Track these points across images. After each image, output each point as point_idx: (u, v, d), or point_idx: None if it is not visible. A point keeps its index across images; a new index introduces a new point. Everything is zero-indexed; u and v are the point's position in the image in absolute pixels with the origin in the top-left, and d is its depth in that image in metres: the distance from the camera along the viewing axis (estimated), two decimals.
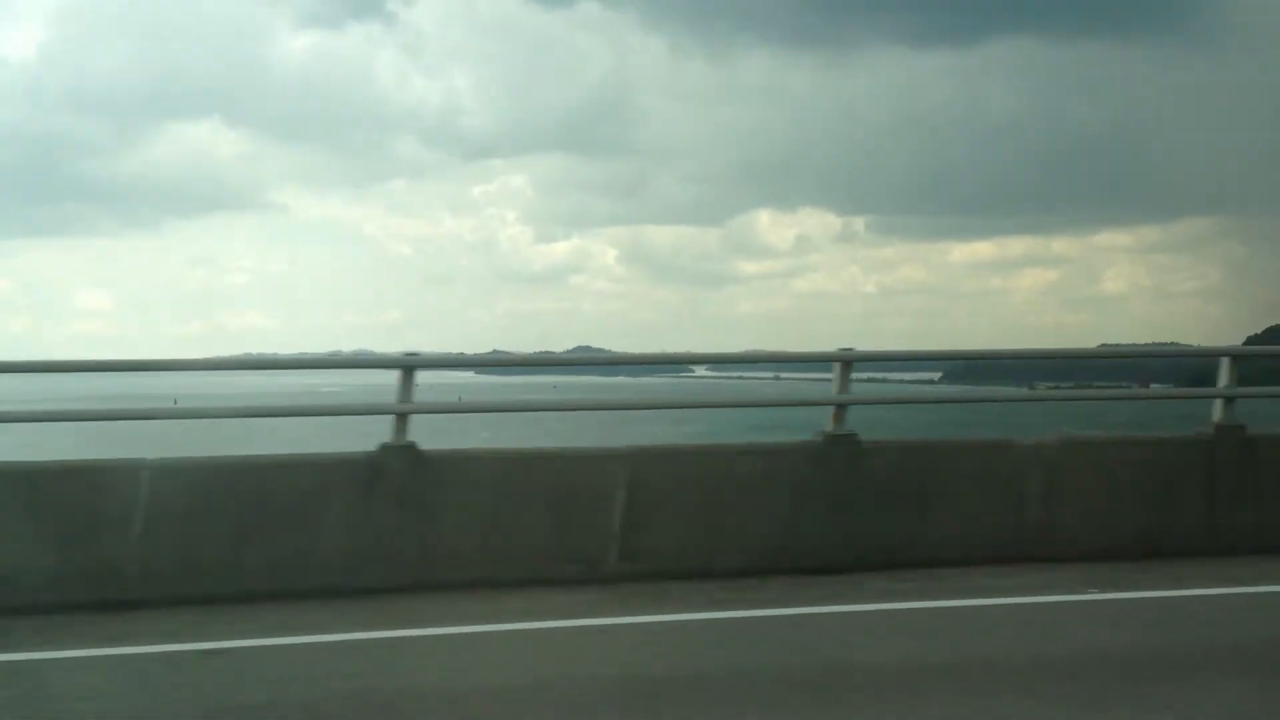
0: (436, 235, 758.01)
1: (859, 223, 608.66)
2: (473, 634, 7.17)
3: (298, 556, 8.24)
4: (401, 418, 8.62)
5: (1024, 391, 43.93)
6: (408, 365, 8.79)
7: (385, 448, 8.55)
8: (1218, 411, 9.73)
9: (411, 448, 8.56)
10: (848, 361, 9.20)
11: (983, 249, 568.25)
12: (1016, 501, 9.34)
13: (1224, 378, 9.75)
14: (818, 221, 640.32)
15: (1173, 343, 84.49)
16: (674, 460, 9.38)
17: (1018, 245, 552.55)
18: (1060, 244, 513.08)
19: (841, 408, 9.20)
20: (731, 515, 8.98)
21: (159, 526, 8.09)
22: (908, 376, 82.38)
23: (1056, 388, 45.93)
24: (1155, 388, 40.43)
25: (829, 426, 9.15)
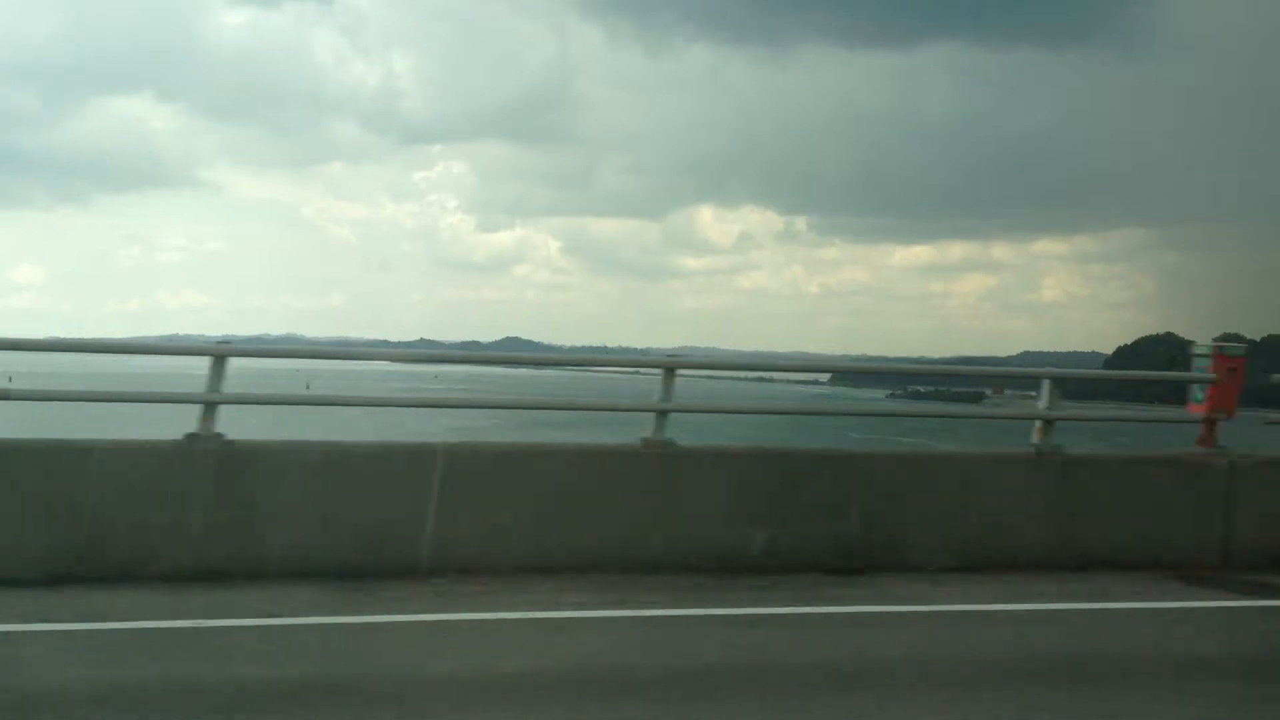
0: (377, 220, 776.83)
1: (800, 222, 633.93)
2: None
3: None
4: None
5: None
6: None
7: None
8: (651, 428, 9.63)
9: None
10: (220, 356, 8.84)
11: (923, 252, 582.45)
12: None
13: (656, 394, 9.58)
14: (759, 219, 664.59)
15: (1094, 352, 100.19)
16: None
17: (957, 250, 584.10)
18: (999, 250, 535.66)
19: (210, 406, 8.80)
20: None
21: None
22: (795, 378, 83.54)
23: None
24: None
25: (196, 427, 8.82)
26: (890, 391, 73.92)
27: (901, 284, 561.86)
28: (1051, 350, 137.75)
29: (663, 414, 9.56)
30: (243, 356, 9.39)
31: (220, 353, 8.91)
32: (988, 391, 62.29)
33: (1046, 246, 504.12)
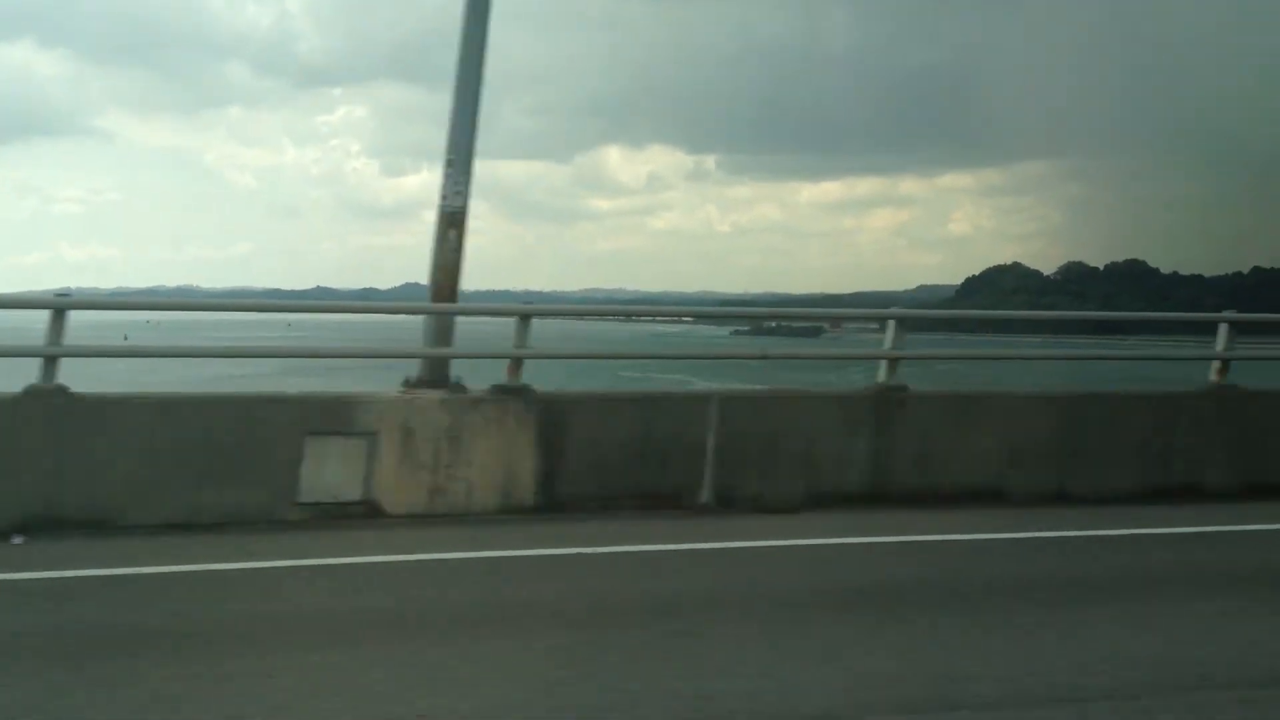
0: (280, 166, 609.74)
1: (709, 161, 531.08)
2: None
3: None
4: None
5: None
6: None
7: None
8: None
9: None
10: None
11: (832, 189, 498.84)
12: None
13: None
14: (668, 159, 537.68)
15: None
16: None
17: (865, 185, 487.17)
18: (908, 185, 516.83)
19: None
20: None
21: None
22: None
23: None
24: None
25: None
26: (735, 329, 74.10)
27: (813, 221, 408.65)
28: (948, 284, 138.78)
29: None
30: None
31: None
32: (826, 327, 62.12)
33: (954, 180, 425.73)
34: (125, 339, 25.78)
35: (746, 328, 76.55)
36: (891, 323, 10.84)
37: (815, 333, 68.94)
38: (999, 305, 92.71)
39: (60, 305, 8.71)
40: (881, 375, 10.78)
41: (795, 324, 73.77)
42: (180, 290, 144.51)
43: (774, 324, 67.59)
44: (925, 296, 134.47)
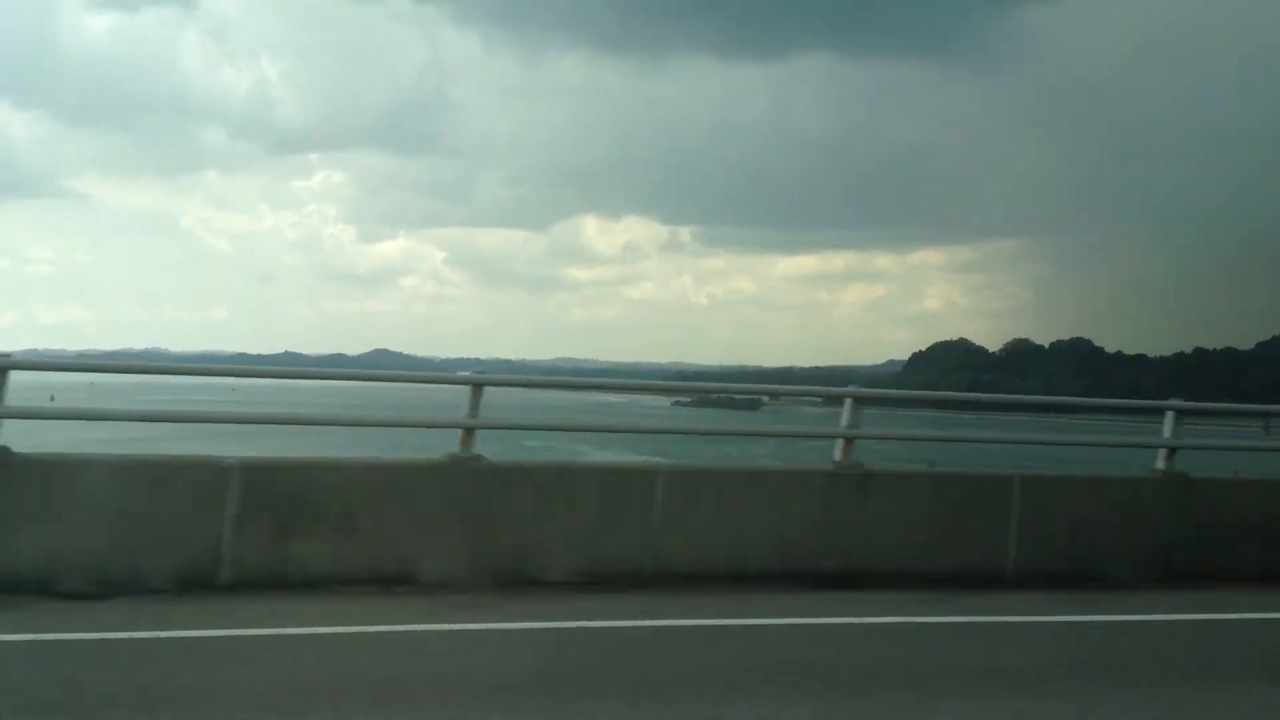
0: (257, 231, 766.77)
1: (685, 233, 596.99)
2: None
3: None
4: None
5: None
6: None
7: None
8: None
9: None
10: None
11: (807, 262, 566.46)
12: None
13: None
14: (644, 230, 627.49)
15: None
16: None
17: (840, 260, 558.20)
18: (881, 260, 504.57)
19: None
20: None
21: None
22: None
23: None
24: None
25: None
26: (675, 400, 74.90)
27: (787, 294, 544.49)
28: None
29: None
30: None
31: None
32: (764, 399, 66.49)
33: (925, 257, 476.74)
34: (51, 399, 23.22)
35: (689, 399, 79.23)
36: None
37: (755, 405, 73.07)
38: (938, 382, 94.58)
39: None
40: None
41: (737, 396, 77.82)
42: (149, 353, 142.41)
43: (716, 396, 71.83)
44: (891, 371, 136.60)
